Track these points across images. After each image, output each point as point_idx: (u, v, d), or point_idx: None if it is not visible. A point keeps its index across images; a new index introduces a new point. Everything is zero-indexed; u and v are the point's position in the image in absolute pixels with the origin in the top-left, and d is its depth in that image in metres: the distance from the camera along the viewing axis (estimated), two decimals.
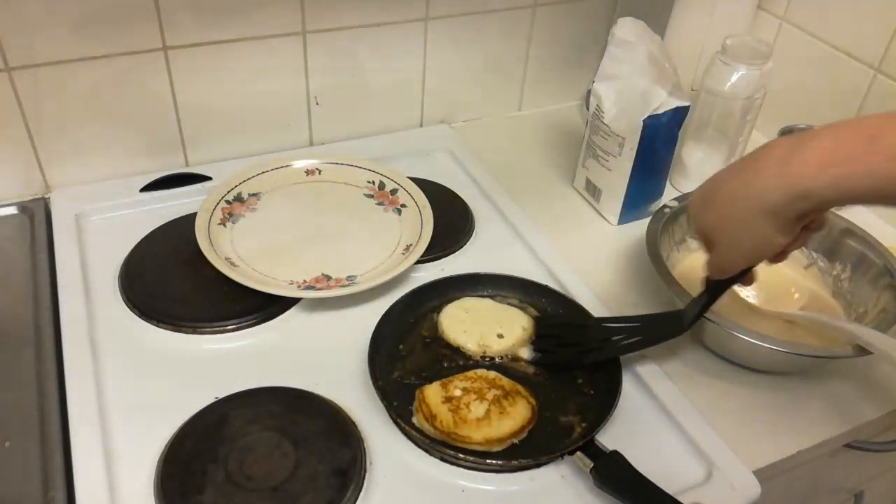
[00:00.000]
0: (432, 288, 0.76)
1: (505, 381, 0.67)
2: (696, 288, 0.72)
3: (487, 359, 0.71)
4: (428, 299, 0.76)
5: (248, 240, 0.82)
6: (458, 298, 0.76)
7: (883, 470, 0.94)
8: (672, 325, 0.69)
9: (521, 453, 0.62)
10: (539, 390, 0.67)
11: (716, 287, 0.65)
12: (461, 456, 0.61)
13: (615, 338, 0.70)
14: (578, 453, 0.61)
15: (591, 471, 0.60)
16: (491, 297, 0.77)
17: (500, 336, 0.72)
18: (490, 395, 0.64)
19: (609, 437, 0.64)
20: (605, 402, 0.66)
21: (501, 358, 0.71)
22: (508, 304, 0.77)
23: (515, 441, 0.63)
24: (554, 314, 0.76)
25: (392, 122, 1.05)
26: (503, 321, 0.74)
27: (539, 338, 0.73)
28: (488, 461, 0.61)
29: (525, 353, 0.72)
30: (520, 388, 0.66)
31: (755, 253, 0.59)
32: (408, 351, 0.71)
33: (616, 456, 0.60)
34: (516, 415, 0.63)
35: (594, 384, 0.69)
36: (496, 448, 0.62)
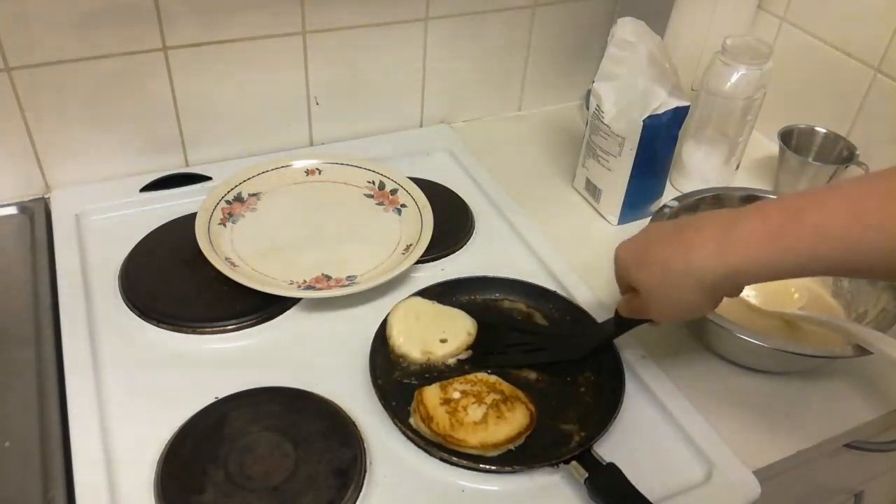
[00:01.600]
0: (438, 289, 0.76)
1: (505, 386, 0.66)
2: None
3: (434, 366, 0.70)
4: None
5: (248, 240, 0.82)
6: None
7: (883, 470, 0.94)
8: (571, 349, 0.71)
9: (516, 459, 0.62)
10: (539, 396, 0.67)
11: (626, 323, 0.68)
12: (454, 459, 0.61)
13: (521, 346, 0.72)
14: (574, 463, 0.61)
15: (585, 482, 0.59)
16: (495, 300, 0.77)
17: (444, 341, 0.71)
18: (489, 399, 0.64)
19: (609, 437, 0.64)
20: (605, 411, 0.66)
21: (445, 364, 0.70)
22: (513, 307, 0.77)
23: (512, 447, 0.62)
24: (501, 319, 0.76)
25: (392, 122, 1.05)
26: (447, 326, 0.72)
27: (479, 342, 0.72)
28: (482, 466, 0.61)
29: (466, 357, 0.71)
30: (519, 393, 0.66)
31: (682, 315, 0.63)
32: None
33: (612, 469, 0.60)
34: (514, 420, 0.63)
35: (596, 392, 0.69)
36: (492, 453, 0.62)
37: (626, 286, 0.65)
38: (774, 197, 0.60)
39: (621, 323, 0.68)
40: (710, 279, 0.56)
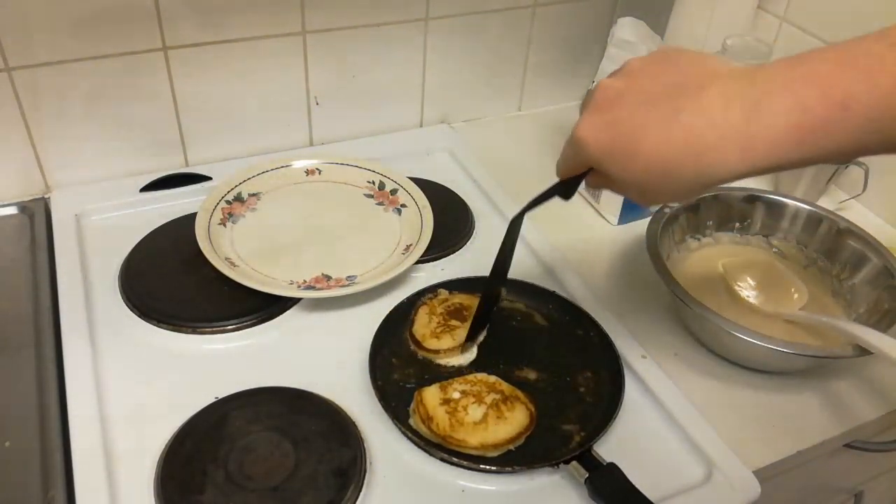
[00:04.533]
0: (437, 289, 0.76)
1: (505, 386, 0.66)
2: (696, 288, 0.72)
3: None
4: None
5: (248, 240, 0.82)
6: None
7: (883, 470, 0.94)
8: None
9: (516, 460, 0.62)
10: (539, 396, 0.67)
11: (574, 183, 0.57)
12: (454, 459, 0.61)
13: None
14: (574, 463, 0.61)
15: (585, 482, 0.59)
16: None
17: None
18: (489, 399, 0.64)
19: (608, 437, 0.64)
20: (606, 411, 0.66)
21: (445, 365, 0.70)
22: (513, 307, 0.77)
23: (512, 447, 0.62)
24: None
25: (392, 122, 1.05)
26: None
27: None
28: (482, 466, 0.61)
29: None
30: (519, 393, 0.66)
31: (668, 202, 0.52)
32: (408, 353, 0.71)
33: (612, 468, 0.60)
34: (514, 421, 0.63)
35: (596, 392, 0.69)
36: (492, 453, 0.62)
37: (590, 164, 0.51)
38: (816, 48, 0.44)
39: (570, 184, 0.58)
40: (725, 179, 0.46)
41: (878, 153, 0.45)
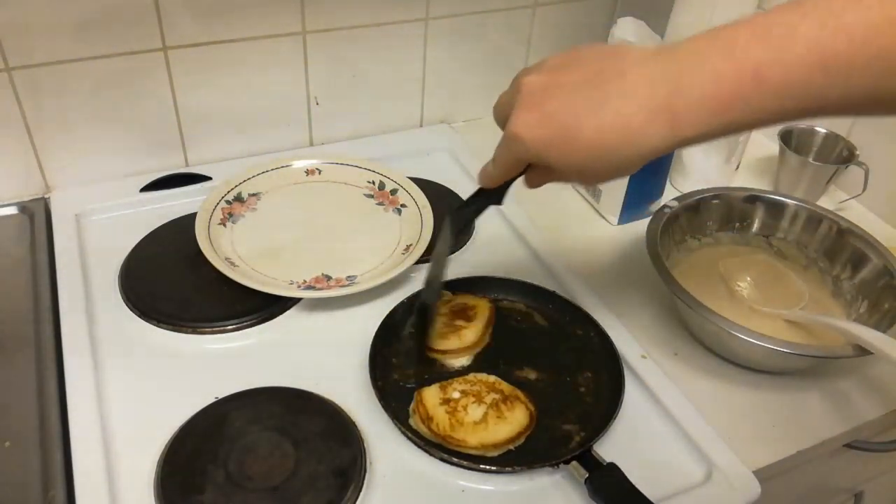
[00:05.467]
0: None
1: (504, 386, 0.66)
2: (696, 288, 0.72)
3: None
4: None
5: (248, 240, 0.82)
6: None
7: (883, 470, 0.94)
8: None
9: (516, 460, 0.62)
10: (539, 396, 0.67)
11: (504, 188, 0.61)
12: (454, 459, 0.61)
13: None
14: (574, 463, 0.61)
15: (585, 482, 0.59)
16: (495, 300, 0.77)
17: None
18: (489, 398, 0.64)
19: (608, 437, 0.64)
20: (605, 411, 0.65)
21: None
22: (513, 307, 0.77)
23: (512, 447, 0.62)
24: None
25: (392, 122, 1.05)
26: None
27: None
28: (482, 466, 0.61)
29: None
30: (519, 393, 0.66)
31: (607, 181, 0.55)
32: (408, 353, 0.71)
33: (612, 468, 0.60)
34: (514, 420, 0.63)
35: (596, 392, 0.69)
36: (492, 453, 0.62)
37: (525, 162, 0.55)
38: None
39: (501, 190, 0.61)
40: (660, 150, 0.49)
41: (799, 119, 0.47)
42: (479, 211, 0.64)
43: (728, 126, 0.47)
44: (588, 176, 0.55)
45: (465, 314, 0.73)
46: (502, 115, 0.54)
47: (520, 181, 0.60)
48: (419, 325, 0.70)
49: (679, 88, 0.46)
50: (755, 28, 0.45)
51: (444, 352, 0.70)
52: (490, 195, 0.62)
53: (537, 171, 0.57)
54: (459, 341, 0.70)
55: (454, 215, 0.66)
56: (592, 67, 0.50)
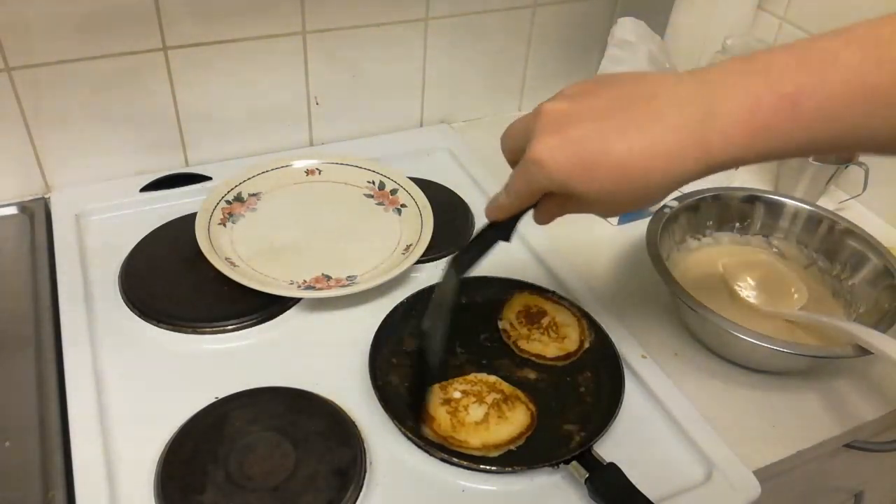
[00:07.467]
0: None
1: (505, 386, 0.66)
2: (696, 288, 0.72)
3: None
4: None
5: (248, 240, 0.82)
6: None
7: (883, 470, 0.94)
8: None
9: (516, 460, 0.62)
10: (539, 397, 0.67)
11: (513, 222, 0.57)
12: (454, 459, 0.61)
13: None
14: (574, 463, 0.61)
15: (585, 482, 0.59)
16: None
17: None
18: (489, 398, 0.64)
19: (608, 437, 0.64)
20: (606, 411, 0.65)
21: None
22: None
23: (512, 447, 0.62)
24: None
25: (392, 122, 1.05)
26: None
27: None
28: (482, 466, 0.61)
29: None
30: (520, 393, 0.66)
31: (636, 207, 0.51)
32: (408, 353, 0.71)
33: (612, 468, 0.60)
34: (515, 420, 0.63)
35: (596, 392, 0.69)
36: (493, 453, 0.62)
37: (544, 189, 0.51)
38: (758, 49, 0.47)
39: (509, 225, 0.58)
40: (686, 177, 0.47)
41: (829, 152, 0.47)
42: (485, 251, 0.60)
43: (759, 154, 0.45)
44: (610, 204, 0.50)
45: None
46: (516, 143, 0.52)
47: (528, 216, 0.57)
48: (419, 371, 0.66)
49: (713, 112, 0.44)
50: (794, 53, 0.44)
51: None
52: (497, 231, 0.58)
53: (554, 200, 0.53)
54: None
55: (457, 260, 0.61)
56: (618, 92, 0.48)
